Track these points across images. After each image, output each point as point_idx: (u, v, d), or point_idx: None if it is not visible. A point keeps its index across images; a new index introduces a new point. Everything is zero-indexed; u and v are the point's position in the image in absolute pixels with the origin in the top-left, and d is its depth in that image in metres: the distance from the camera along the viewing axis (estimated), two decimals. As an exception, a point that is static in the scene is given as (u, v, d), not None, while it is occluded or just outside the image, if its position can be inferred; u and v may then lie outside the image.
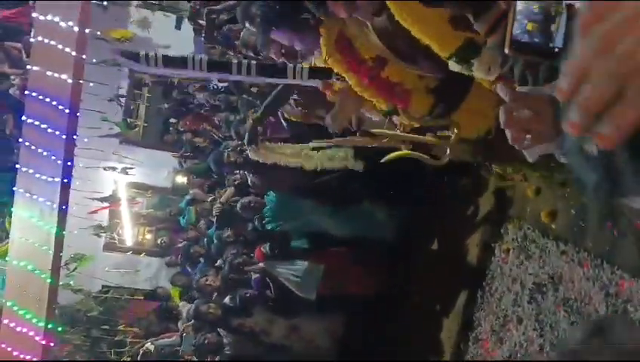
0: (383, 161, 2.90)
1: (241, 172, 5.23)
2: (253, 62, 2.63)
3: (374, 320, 4.83)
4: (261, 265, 5.16)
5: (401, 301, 4.84)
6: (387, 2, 2.00)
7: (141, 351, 6.64)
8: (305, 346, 4.76)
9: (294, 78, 2.58)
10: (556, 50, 1.18)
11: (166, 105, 8.18)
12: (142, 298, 7.96)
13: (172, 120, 8.28)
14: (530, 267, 3.67)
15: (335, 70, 2.63)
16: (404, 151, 2.72)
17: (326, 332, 4.87)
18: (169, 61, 2.66)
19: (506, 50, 1.19)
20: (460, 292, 4.39)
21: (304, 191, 4.81)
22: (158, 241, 8.27)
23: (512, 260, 3.87)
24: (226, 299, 5.30)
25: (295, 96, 3.44)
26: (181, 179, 8.36)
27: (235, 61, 2.69)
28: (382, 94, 2.41)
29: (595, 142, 0.54)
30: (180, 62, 2.67)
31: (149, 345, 6.59)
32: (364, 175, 4.40)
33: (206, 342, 4.94)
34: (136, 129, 8.48)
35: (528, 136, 1.12)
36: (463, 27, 1.89)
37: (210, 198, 6.77)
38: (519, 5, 1.18)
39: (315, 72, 2.61)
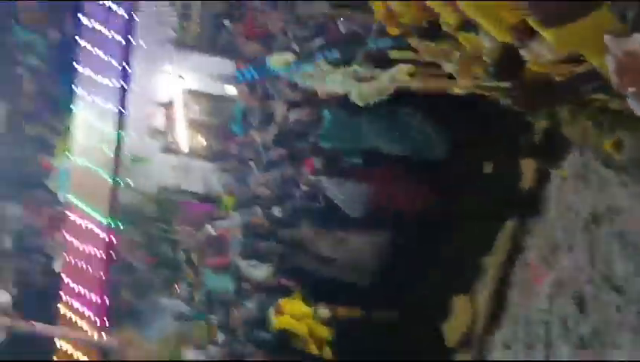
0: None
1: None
2: None
3: (421, 238, 4.91)
4: (311, 178, 5.26)
5: (450, 220, 4.87)
6: None
7: (201, 234, 7.01)
8: (351, 259, 4.91)
9: None
10: None
11: (220, 6, 8.06)
12: (195, 200, 8.28)
13: (227, 23, 8.17)
14: (587, 196, 3.61)
15: None
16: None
17: (372, 246, 4.99)
18: None
19: None
20: (512, 215, 4.37)
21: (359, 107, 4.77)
22: (212, 147, 8.47)
23: (569, 188, 3.80)
24: (276, 210, 5.47)
25: None
26: (233, 87, 8.38)
27: None
28: None
29: None
30: None
31: (209, 228, 6.93)
32: (419, 95, 4.31)
33: (256, 248, 5.17)
34: (191, 33, 8.43)
35: (632, 89, 1.09)
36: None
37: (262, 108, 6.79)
38: None
39: None
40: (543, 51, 1.93)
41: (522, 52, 2.06)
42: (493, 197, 4.60)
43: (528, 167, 4.32)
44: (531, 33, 1.87)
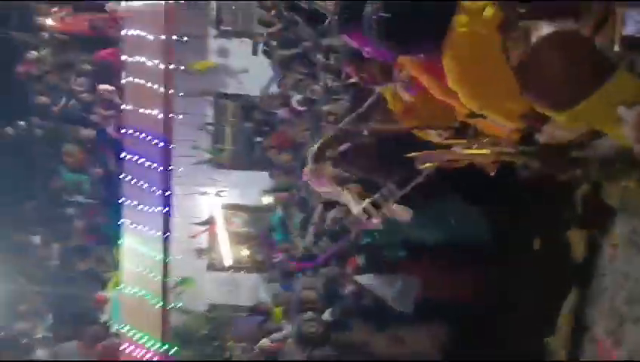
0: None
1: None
2: None
3: (478, 326, 4.73)
4: (356, 278, 5.21)
5: (505, 303, 4.70)
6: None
7: (257, 349, 6.88)
8: (410, 356, 4.74)
9: None
10: None
11: (250, 125, 8.49)
12: (245, 314, 8.25)
13: (257, 139, 8.57)
14: (642, 262, 3.47)
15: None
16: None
17: (429, 339, 4.82)
18: None
19: (616, 48, 1.12)
20: (568, 291, 4.21)
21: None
22: (256, 258, 8.56)
23: (622, 256, 3.67)
24: (325, 315, 5.39)
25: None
26: (268, 198, 8.59)
27: None
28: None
29: None
30: None
31: (265, 341, 6.81)
32: (452, 177, 4.33)
33: (312, 357, 5.06)
34: (225, 153, 8.82)
35: None
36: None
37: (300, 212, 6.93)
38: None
39: None
40: (558, 132, 1.91)
41: (537, 136, 2.06)
42: (545, 273, 4.45)
43: (576, 238, 4.20)
44: (543, 118, 1.85)
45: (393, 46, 1.81)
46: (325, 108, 4.91)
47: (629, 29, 1.10)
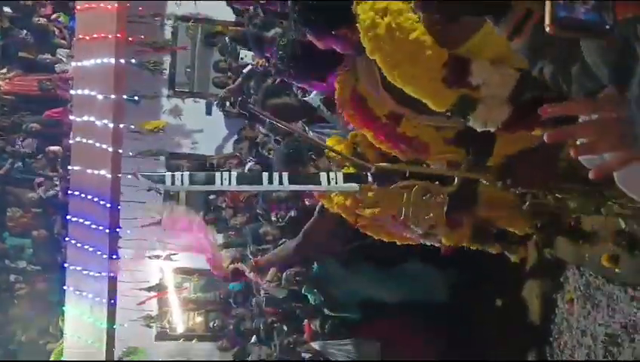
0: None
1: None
2: (285, 173, 2.60)
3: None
4: (313, 345, 4.99)
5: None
6: (378, 64, 1.98)
7: None
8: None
9: (329, 184, 2.54)
10: (607, 27, 0.97)
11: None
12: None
13: (211, 196, 8.35)
14: (599, 317, 3.38)
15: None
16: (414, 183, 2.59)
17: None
18: (195, 180, 2.65)
19: (547, 29, 1.02)
20: (528, 349, 4.09)
21: (348, 257, 4.65)
22: (210, 324, 8.13)
23: (578, 311, 3.58)
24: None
25: None
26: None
27: (266, 173, 2.65)
28: (399, 148, 2.40)
29: None
30: (207, 180, 2.66)
31: None
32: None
33: None
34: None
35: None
36: (457, 84, 1.94)
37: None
38: None
39: (349, 177, 2.56)
40: (486, 78, 1.93)
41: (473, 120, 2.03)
42: (504, 331, 4.34)
43: (532, 295, 4.13)
44: (462, 67, 1.91)
45: (314, 32, 2.07)
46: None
47: (560, 14, 0.99)
